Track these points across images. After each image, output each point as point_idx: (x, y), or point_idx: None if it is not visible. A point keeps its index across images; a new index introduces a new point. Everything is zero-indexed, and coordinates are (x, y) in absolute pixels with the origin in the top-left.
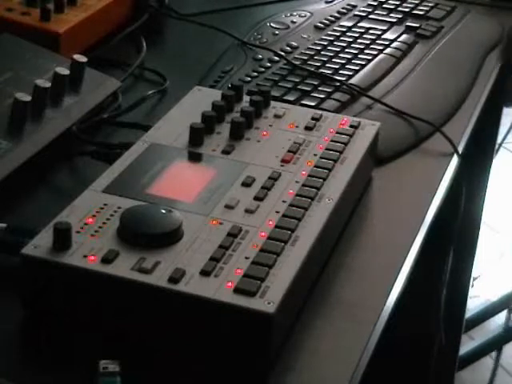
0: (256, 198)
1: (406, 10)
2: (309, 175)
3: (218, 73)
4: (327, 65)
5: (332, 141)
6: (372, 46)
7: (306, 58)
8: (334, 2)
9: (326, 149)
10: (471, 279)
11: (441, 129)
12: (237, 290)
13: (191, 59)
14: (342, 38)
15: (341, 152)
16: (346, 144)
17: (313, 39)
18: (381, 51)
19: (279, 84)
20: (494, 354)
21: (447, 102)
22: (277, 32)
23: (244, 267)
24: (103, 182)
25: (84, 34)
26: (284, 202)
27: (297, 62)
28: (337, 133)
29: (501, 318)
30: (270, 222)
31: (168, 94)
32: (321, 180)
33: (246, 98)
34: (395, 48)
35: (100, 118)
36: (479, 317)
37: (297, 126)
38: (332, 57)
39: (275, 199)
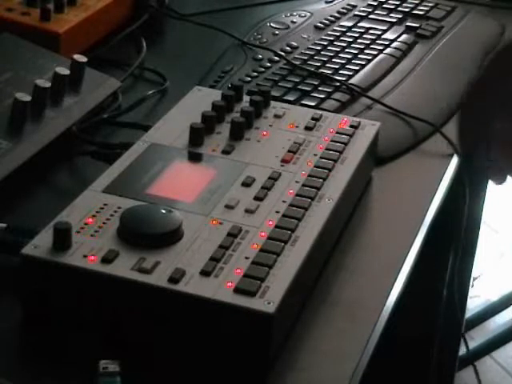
0: (256, 198)
1: (406, 10)
2: (309, 175)
3: (218, 73)
4: (327, 65)
5: (332, 141)
6: (372, 46)
7: (306, 57)
8: (334, 2)
9: (326, 149)
10: (471, 279)
11: (441, 129)
12: (237, 290)
13: (191, 59)
14: (342, 38)
15: (341, 152)
16: (345, 144)
17: (313, 39)
18: (381, 51)
19: (279, 84)
20: (493, 354)
21: (447, 102)
22: (277, 32)
23: (244, 267)
24: (103, 182)
25: (84, 34)
26: (284, 202)
27: (297, 62)
28: (337, 133)
29: (501, 318)
30: (270, 222)
31: (168, 94)
32: (321, 180)
33: (246, 98)
34: (395, 48)
35: (100, 118)
36: (479, 317)
37: (297, 126)
38: (332, 57)
39: (275, 199)
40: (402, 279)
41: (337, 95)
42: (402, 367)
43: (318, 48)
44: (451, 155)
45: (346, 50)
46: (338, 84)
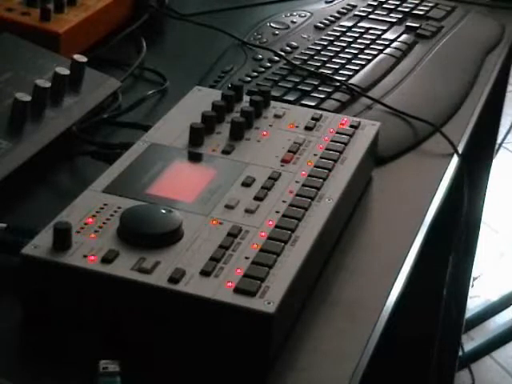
0: (256, 198)
1: (406, 10)
2: (309, 175)
3: (218, 73)
4: (327, 65)
5: (332, 141)
6: (372, 46)
7: (306, 57)
8: (334, 2)
9: (326, 149)
10: (471, 279)
11: (441, 129)
12: (237, 290)
13: (191, 59)
14: (342, 38)
15: (341, 152)
16: (346, 144)
17: (313, 39)
18: (381, 51)
19: (279, 84)
20: (493, 354)
21: (447, 102)
22: (277, 32)
23: (244, 267)
24: (103, 182)
25: (84, 34)
26: (284, 202)
27: (297, 62)
28: (337, 133)
29: (501, 318)
30: (270, 222)
31: (168, 94)
32: (321, 180)
33: (246, 98)
34: (395, 48)
35: (100, 118)
36: (479, 317)
37: (297, 126)
38: (332, 57)
39: (275, 199)
40: (401, 279)
41: (337, 95)
42: (402, 367)
43: (318, 48)
44: (451, 155)
45: (346, 50)
46: (338, 84)
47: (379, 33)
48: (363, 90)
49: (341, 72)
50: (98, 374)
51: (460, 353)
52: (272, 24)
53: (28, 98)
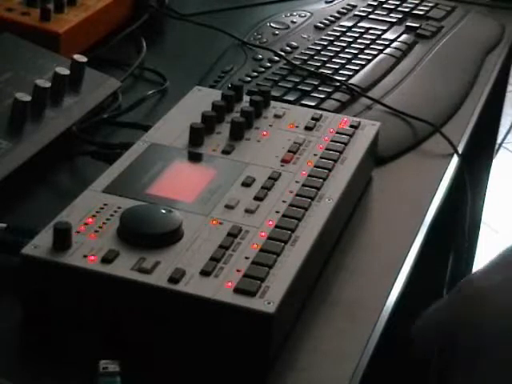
0: (256, 198)
1: (406, 10)
2: (309, 175)
3: (218, 73)
4: (327, 65)
5: (332, 141)
6: (372, 46)
7: (306, 58)
8: (334, 2)
9: (326, 149)
10: None
11: (441, 129)
12: (237, 290)
13: (191, 59)
14: (342, 38)
15: (341, 152)
16: (346, 144)
17: (313, 39)
18: (381, 51)
19: (279, 84)
20: None
21: (447, 102)
22: (277, 32)
23: (244, 267)
24: (103, 182)
25: (84, 34)
26: (284, 202)
27: (297, 62)
28: (337, 133)
29: None
30: (270, 222)
31: (168, 94)
32: (321, 180)
33: (246, 98)
34: (395, 48)
35: (100, 118)
36: None
37: (297, 126)
38: (332, 57)
39: (275, 199)
40: (402, 279)
41: (337, 95)
42: (402, 367)
43: (318, 48)
44: (451, 155)
45: (346, 50)
46: (338, 84)
47: (379, 33)
48: (363, 90)
49: (341, 72)
50: (98, 373)
51: None
52: (272, 24)
53: (28, 98)
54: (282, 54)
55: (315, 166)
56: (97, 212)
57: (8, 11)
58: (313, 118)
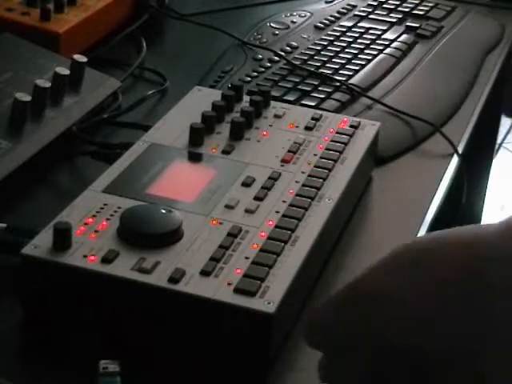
0: (256, 198)
1: (406, 10)
2: (309, 175)
3: (218, 73)
4: (327, 65)
5: (332, 141)
6: (372, 46)
7: (306, 58)
8: (334, 2)
9: (326, 149)
10: None
11: (441, 129)
12: (237, 290)
13: (191, 59)
14: (342, 38)
15: (341, 152)
16: (346, 144)
17: (313, 39)
18: (381, 51)
19: (279, 84)
20: None
21: (447, 102)
22: (277, 32)
23: (244, 267)
24: (103, 182)
25: (84, 34)
26: (284, 202)
27: (297, 62)
28: (337, 133)
29: None
30: (270, 222)
31: (168, 94)
32: (321, 180)
33: (246, 98)
34: (395, 48)
35: (100, 118)
36: None
37: (297, 126)
38: (332, 57)
39: (275, 199)
40: None
41: (337, 95)
42: None
43: (318, 48)
44: (451, 155)
45: (346, 50)
46: (338, 84)
47: (379, 33)
48: (363, 90)
49: (341, 72)
50: (98, 374)
51: None
52: (272, 24)
53: (28, 98)
54: (282, 54)
55: (315, 166)
56: (97, 212)
57: (8, 11)
58: (313, 118)
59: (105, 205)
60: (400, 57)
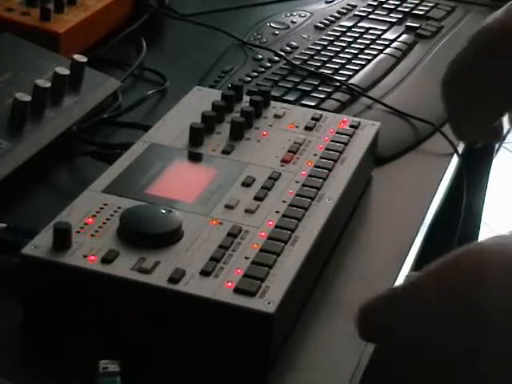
0: (256, 198)
1: (406, 10)
2: (309, 175)
3: (218, 73)
4: (327, 65)
5: (332, 141)
6: (372, 46)
7: (306, 57)
8: (334, 2)
9: (326, 149)
10: None
11: (441, 129)
12: (237, 290)
13: (191, 59)
14: (342, 38)
15: (341, 152)
16: (345, 144)
17: (313, 39)
18: (381, 51)
19: (279, 84)
20: None
21: None
22: (277, 32)
23: (244, 267)
24: (103, 182)
25: (84, 34)
26: (284, 202)
27: (297, 62)
28: (337, 133)
29: None
30: (270, 222)
31: (168, 94)
32: (321, 180)
33: (246, 98)
34: (395, 48)
35: (100, 118)
36: None
37: (297, 126)
38: (332, 57)
39: (275, 199)
40: (402, 279)
41: (337, 95)
42: None
43: (318, 48)
44: (451, 155)
45: (346, 50)
46: (338, 84)
47: (379, 33)
48: (363, 90)
49: (341, 72)
50: (97, 373)
51: None
52: (272, 24)
53: (28, 98)
54: (282, 54)
55: (315, 166)
56: (97, 212)
57: (8, 11)
58: (313, 118)
59: (105, 205)
60: (400, 57)
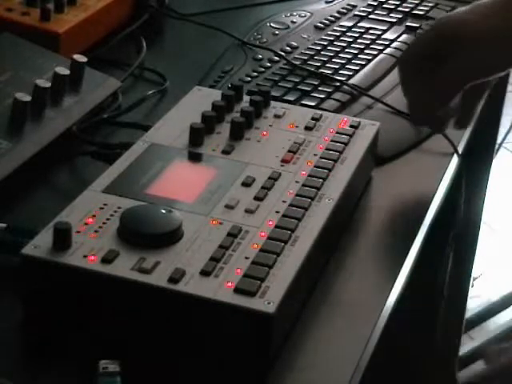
0: (256, 198)
1: (406, 10)
2: (309, 175)
3: (218, 73)
4: (327, 65)
5: (332, 141)
6: (372, 46)
7: (306, 57)
8: (334, 2)
9: (326, 149)
10: (471, 279)
11: None
12: (237, 290)
13: (191, 59)
14: (342, 38)
15: (341, 152)
16: (345, 144)
17: (313, 39)
18: (381, 51)
19: (279, 84)
20: None
21: None
22: (277, 32)
23: (244, 267)
24: (103, 182)
25: (84, 34)
26: (284, 202)
27: (297, 62)
28: (337, 133)
29: (501, 318)
30: (270, 222)
31: (168, 94)
32: (321, 180)
33: (246, 98)
34: (395, 48)
35: (100, 118)
36: (479, 317)
37: (297, 126)
38: (332, 57)
39: (275, 199)
40: (401, 279)
41: (337, 95)
42: (403, 367)
43: (318, 48)
44: (451, 155)
45: (346, 50)
46: (338, 84)
47: (379, 33)
48: (363, 90)
49: (341, 72)
50: (97, 373)
51: (466, 350)
52: (272, 24)
53: (28, 98)
54: (282, 54)
55: (315, 166)
56: (97, 212)
57: (8, 11)
58: (313, 118)
59: (105, 205)
60: None
